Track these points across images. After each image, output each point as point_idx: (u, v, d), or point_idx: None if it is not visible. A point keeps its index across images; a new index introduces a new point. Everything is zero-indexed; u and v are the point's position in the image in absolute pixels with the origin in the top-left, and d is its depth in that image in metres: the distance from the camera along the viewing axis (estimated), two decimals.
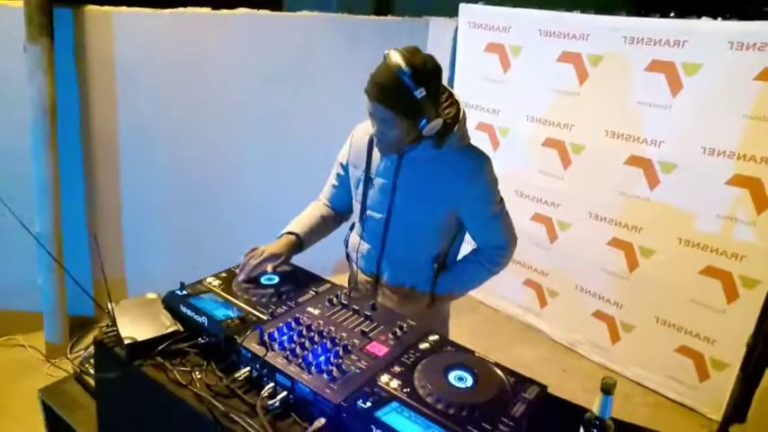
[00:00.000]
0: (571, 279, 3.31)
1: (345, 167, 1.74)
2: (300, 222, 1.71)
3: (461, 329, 3.47)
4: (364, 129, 1.67)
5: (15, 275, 3.03)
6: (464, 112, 1.55)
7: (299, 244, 1.66)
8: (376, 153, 1.62)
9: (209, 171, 3.36)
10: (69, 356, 1.29)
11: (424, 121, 1.41)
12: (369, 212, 1.67)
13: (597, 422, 1.04)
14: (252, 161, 3.48)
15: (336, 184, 1.79)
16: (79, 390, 1.91)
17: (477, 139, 3.55)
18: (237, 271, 1.53)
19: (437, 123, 1.44)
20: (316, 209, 1.79)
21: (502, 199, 1.63)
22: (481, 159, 1.55)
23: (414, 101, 1.37)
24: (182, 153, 3.23)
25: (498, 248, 1.66)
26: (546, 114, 3.21)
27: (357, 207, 1.72)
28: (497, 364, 1.25)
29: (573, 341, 3.35)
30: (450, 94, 1.54)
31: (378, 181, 1.62)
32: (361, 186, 1.66)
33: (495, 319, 3.67)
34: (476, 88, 3.54)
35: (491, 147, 3.53)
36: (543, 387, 1.19)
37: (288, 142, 3.51)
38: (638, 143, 2.83)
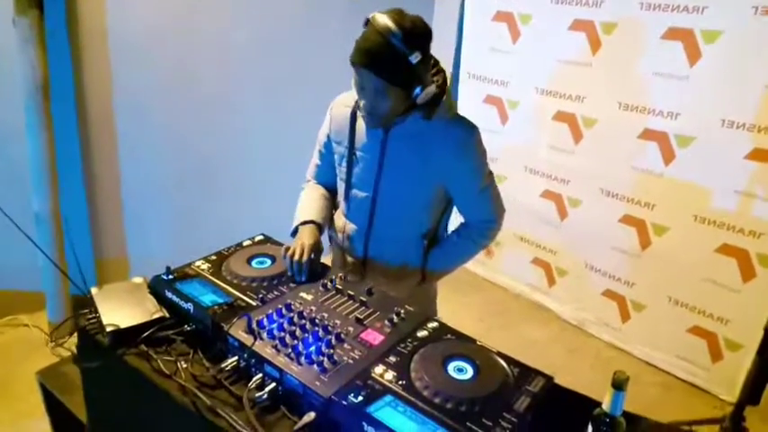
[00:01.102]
0: (581, 257, 3.22)
1: (327, 144, 1.65)
2: (311, 209, 1.63)
3: (468, 308, 3.44)
4: (343, 101, 1.57)
5: (17, 255, 2.99)
6: (448, 81, 1.46)
7: (321, 231, 1.60)
8: (359, 127, 1.52)
9: (209, 147, 3.28)
10: (51, 343, 1.23)
11: (418, 89, 1.32)
12: (354, 191, 1.59)
13: (607, 419, 0.96)
14: (253, 136, 3.38)
15: (320, 162, 1.71)
16: (77, 372, 1.88)
17: (486, 113, 3.47)
18: (289, 272, 1.41)
19: (431, 91, 1.35)
20: (314, 191, 1.70)
21: (491, 172, 1.55)
22: (470, 130, 1.46)
23: (409, 66, 1.27)
24: (180, 129, 3.15)
25: (487, 222, 1.59)
26: (557, 86, 3.08)
27: (341, 185, 1.63)
28: (500, 354, 1.17)
29: (582, 320, 3.27)
30: (436, 61, 1.45)
31: (362, 157, 1.53)
32: (344, 163, 1.57)
33: (503, 298, 3.59)
34: (484, 59, 3.40)
35: (500, 121, 3.41)
36: (549, 378, 1.12)
37: (290, 115, 3.40)
38: (653, 116, 2.70)
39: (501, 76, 3.35)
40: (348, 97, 1.54)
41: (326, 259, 1.80)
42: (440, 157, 1.44)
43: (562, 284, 3.36)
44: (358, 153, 1.53)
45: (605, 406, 0.96)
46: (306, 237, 1.49)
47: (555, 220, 3.28)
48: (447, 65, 3.55)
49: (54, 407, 1.91)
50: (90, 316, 1.28)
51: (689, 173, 2.64)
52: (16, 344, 2.91)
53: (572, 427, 1.10)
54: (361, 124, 1.51)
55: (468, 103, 3.55)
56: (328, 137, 1.62)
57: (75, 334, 1.30)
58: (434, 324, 1.25)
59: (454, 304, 3.41)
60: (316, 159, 1.71)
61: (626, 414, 1.13)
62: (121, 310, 1.26)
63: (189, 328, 1.23)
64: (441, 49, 3.91)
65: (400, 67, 1.27)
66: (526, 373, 1.12)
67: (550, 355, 3.04)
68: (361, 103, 1.39)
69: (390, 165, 1.49)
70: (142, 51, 2.91)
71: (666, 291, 2.85)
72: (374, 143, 1.49)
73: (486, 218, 1.58)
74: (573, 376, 2.85)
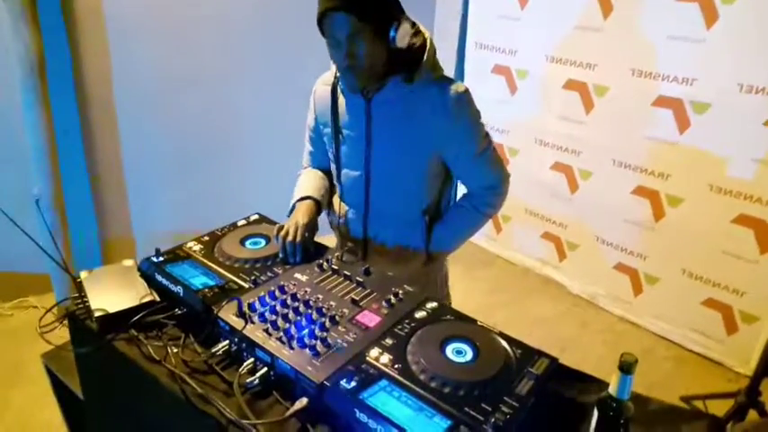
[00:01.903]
0: (592, 231, 3.14)
1: (316, 128, 1.58)
2: (308, 186, 1.55)
3: (477, 284, 3.39)
4: (324, 80, 1.51)
5: (22, 237, 3.00)
6: (432, 42, 1.38)
7: (319, 208, 1.52)
8: (341, 105, 1.45)
9: (211, 122, 3.21)
10: (39, 329, 1.20)
11: (392, 30, 1.27)
12: (345, 171, 1.52)
13: (614, 404, 0.91)
14: (257, 110, 3.31)
15: (312, 148, 1.64)
16: None
17: (494, 84, 3.36)
18: (281, 254, 1.34)
19: (405, 30, 1.29)
20: (312, 173, 1.63)
21: (488, 134, 1.46)
22: (459, 90, 1.37)
23: (380, 1, 1.25)
24: (181, 105, 3.09)
25: (490, 188, 1.50)
26: (567, 53, 2.96)
27: (333, 168, 1.57)
28: (502, 334, 1.12)
29: (593, 294, 3.21)
30: (416, 24, 1.38)
31: (349, 134, 1.46)
32: (333, 144, 1.50)
33: (513, 272, 3.54)
34: (491, 27, 3.28)
35: (509, 91, 3.31)
36: (553, 359, 1.06)
37: (292, 91, 3.32)
38: (668, 82, 2.58)
39: (509, 45, 3.23)
40: (328, 75, 1.48)
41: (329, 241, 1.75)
42: (428, 120, 1.36)
43: (573, 258, 3.30)
44: (344, 131, 1.46)
45: (612, 389, 0.91)
46: (300, 215, 1.42)
47: (565, 193, 3.19)
48: (453, 35, 3.44)
49: (60, 388, 1.91)
50: (79, 301, 1.25)
51: (704, 141, 2.54)
52: (26, 326, 2.93)
53: (579, 410, 1.05)
54: (343, 101, 1.44)
55: (476, 74, 3.45)
56: (316, 120, 1.56)
57: (66, 321, 1.26)
58: (433, 304, 1.20)
59: (463, 280, 3.37)
60: (308, 146, 1.65)
61: (634, 395, 1.08)
62: (111, 294, 1.22)
63: (179, 312, 1.19)
64: (447, 20, 3.78)
65: (373, 3, 1.24)
66: (529, 354, 1.07)
67: (561, 331, 2.99)
68: (337, 64, 1.32)
69: (378, 138, 1.42)
70: (139, 26, 2.84)
71: (680, 263, 2.77)
72: (359, 118, 1.42)
73: (489, 183, 1.50)
74: (584, 351, 2.83)
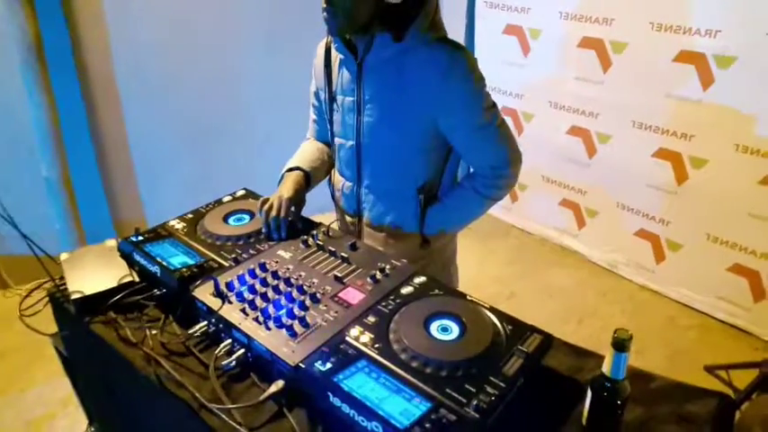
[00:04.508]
0: (612, 196, 3.01)
1: (317, 94, 1.49)
2: (300, 158, 1.47)
3: (493, 255, 3.31)
4: (322, 44, 1.41)
5: (32, 220, 3.02)
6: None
7: (308, 181, 1.43)
8: (336, 69, 1.35)
9: (215, 98, 3.16)
10: (19, 312, 1.19)
11: None
12: (338, 140, 1.42)
13: (608, 384, 0.84)
14: (260, 83, 3.24)
15: (316, 117, 1.55)
16: None
17: (506, 45, 3.21)
18: (264, 230, 1.28)
19: None
20: (309, 144, 1.55)
21: (494, 104, 1.30)
22: (457, 52, 1.23)
23: None
24: (184, 82, 3.04)
25: (494, 168, 1.33)
26: (582, 9, 2.79)
27: (330, 137, 1.47)
28: (494, 310, 1.04)
29: (613, 262, 3.10)
30: None
31: (341, 99, 1.35)
32: (327, 111, 1.41)
33: (529, 243, 3.44)
34: None
35: (522, 53, 3.16)
36: (546, 336, 0.99)
37: (295, 66, 3.24)
38: (690, 35, 2.41)
39: (521, 2, 3.07)
40: (326, 39, 1.38)
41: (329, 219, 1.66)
42: (419, 85, 1.23)
43: (592, 226, 3.17)
44: (337, 97, 1.36)
45: (605, 369, 0.83)
46: (285, 188, 1.34)
47: (583, 158, 3.06)
48: None
49: (70, 366, 1.93)
50: (61, 283, 1.22)
51: (730, 98, 2.37)
52: (44, 307, 2.97)
53: (573, 389, 0.98)
54: (337, 64, 1.35)
55: (488, 36, 3.30)
56: (316, 87, 1.47)
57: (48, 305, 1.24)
58: (421, 279, 1.13)
59: (478, 252, 3.29)
60: (312, 115, 1.56)
61: (637, 373, 1.00)
62: (90, 275, 1.19)
63: (158, 293, 1.15)
64: None
65: None
66: (520, 330, 0.99)
67: (580, 301, 2.90)
68: (322, 10, 1.20)
69: (369, 103, 1.30)
70: (139, 2, 2.78)
71: (705, 228, 2.63)
72: (351, 82, 1.32)
73: (493, 163, 1.33)
74: (603, 321, 2.74)
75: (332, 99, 1.38)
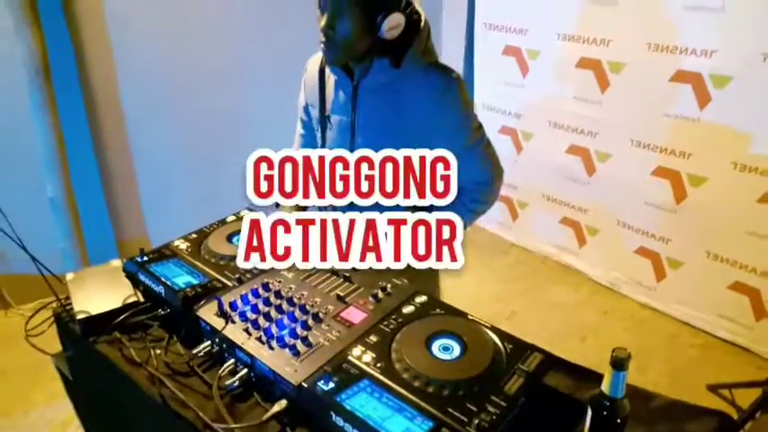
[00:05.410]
0: (612, 214, 3.03)
1: (306, 109, 1.53)
2: None
3: (494, 274, 3.32)
4: (314, 60, 1.45)
5: (37, 240, 3.04)
6: (427, 23, 1.30)
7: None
8: (330, 87, 1.39)
9: (218, 117, 3.19)
10: (27, 332, 1.21)
11: (381, 17, 1.18)
12: None
13: (607, 402, 0.85)
14: (263, 103, 3.28)
15: (303, 131, 1.59)
16: None
17: (505, 66, 3.26)
18: None
19: (398, 21, 1.20)
20: None
21: (480, 125, 1.38)
22: (450, 79, 1.29)
23: None
24: (187, 103, 3.08)
25: (479, 184, 1.42)
26: (579, 30, 2.83)
27: None
28: (494, 329, 1.06)
29: (614, 280, 3.10)
30: (410, 3, 1.28)
31: (335, 119, 1.39)
32: (319, 128, 1.44)
33: (530, 261, 3.44)
34: (499, 5, 3.17)
35: (520, 73, 3.20)
36: (547, 355, 1.00)
37: (300, 84, 3.29)
38: (686, 55, 2.45)
39: (519, 24, 3.12)
40: (319, 55, 1.41)
41: None
42: (415, 110, 1.29)
43: (593, 244, 3.19)
44: (330, 115, 1.40)
45: (604, 387, 0.84)
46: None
47: (583, 177, 3.08)
48: (461, 16, 3.34)
49: (71, 388, 1.93)
50: (66, 303, 1.23)
51: (727, 116, 2.40)
52: (48, 327, 2.98)
53: (574, 408, 0.99)
54: (331, 83, 1.38)
55: (487, 57, 3.35)
56: (306, 102, 1.51)
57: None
58: (422, 298, 1.14)
59: (479, 270, 3.29)
60: (299, 128, 1.60)
61: (637, 391, 1.01)
62: (95, 295, 1.21)
63: (163, 313, 1.16)
64: (454, 0, 3.60)
65: None
66: (521, 349, 1.00)
67: (581, 319, 2.89)
68: (320, 33, 1.24)
69: (364, 124, 1.35)
70: (143, 24, 2.83)
71: (705, 246, 2.64)
72: (345, 103, 1.36)
73: (479, 179, 1.42)
74: (605, 340, 2.74)
75: (324, 117, 1.41)
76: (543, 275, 3.29)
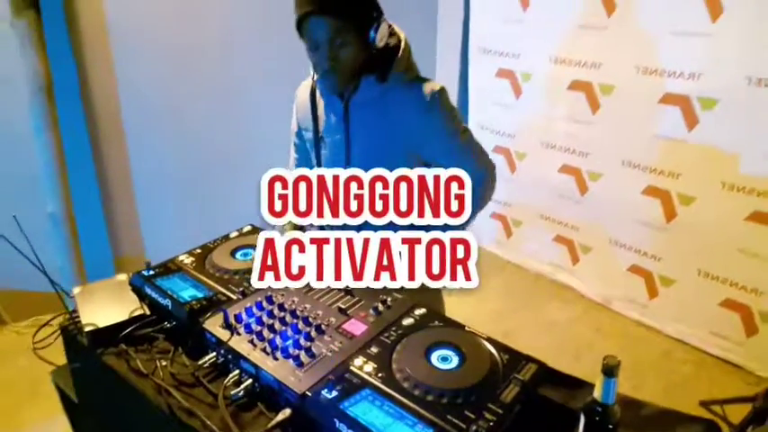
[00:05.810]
0: (604, 233, 3.08)
1: (299, 133, 1.59)
2: None
3: (488, 292, 3.35)
4: (304, 86, 1.52)
5: (37, 255, 3.06)
6: (407, 42, 1.39)
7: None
8: (320, 110, 1.46)
9: (219, 136, 3.24)
10: (33, 345, 1.23)
11: (372, 31, 1.28)
12: None
13: (599, 408, 0.88)
14: (262, 122, 3.32)
15: (297, 156, 1.65)
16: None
17: (499, 88, 3.34)
18: None
19: (384, 30, 1.30)
20: None
21: (467, 129, 1.44)
22: (432, 90, 1.37)
23: (359, 2, 1.26)
24: (188, 120, 3.13)
25: (477, 182, 1.44)
26: (571, 53, 2.92)
27: None
28: (491, 340, 1.10)
29: (607, 298, 3.14)
30: (391, 26, 1.39)
31: (328, 139, 1.46)
32: (314, 149, 1.50)
33: (524, 278, 3.48)
34: (493, 30, 3.26)
35: (514, 95, 3.28)
36: (541, 365, 1.04)
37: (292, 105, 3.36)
38: (674, 78, 2.53)
39: (512, 48, 3.21)
40: (308, 80, 1.48)
41: None
42: (403, 121, 1.36)
43: (586, 262, 3.24)
44: (324, 136, 1.46)
45: (597, 394, 0.88)
46: (289, 225, 1.43)
47: (575, 196, 3.14)
48: (455, 40, 3.42)
49: (69, 405, 1.94)
50: (73, 316, 1.26)
51: (714, 137, 2.47)
52: (54, 340, 2.98)
53: (567, 416, 1.02)
54: (321, 107, 1.45)
55: (481, 79, 3.43)
56: (299, 126, 1.57)
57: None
58: (421, 311, 1.18)
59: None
60: (293, 154, 1.66)
61: (628, 400, 1.05)
62: (102, 308, 1.24)
63: (169, 325, 1.19)
64: (449, 25, 3.73)
65: (356, 3, 1.26)
66: (517, 359, 1.04)
67: (575, 336, 2.93)
68: (316, 67, 1.33)
69: (357, 140, 1.41)
70: (144, 45, 2.89)
71: (696, 263, 2.70)
72: (337, 121, 1.42)
73: (477, 178, 1.43)
74: (599, 357, 2.75)
75: (318, 137, 1.47)
76: (537, 293, 3.33)
